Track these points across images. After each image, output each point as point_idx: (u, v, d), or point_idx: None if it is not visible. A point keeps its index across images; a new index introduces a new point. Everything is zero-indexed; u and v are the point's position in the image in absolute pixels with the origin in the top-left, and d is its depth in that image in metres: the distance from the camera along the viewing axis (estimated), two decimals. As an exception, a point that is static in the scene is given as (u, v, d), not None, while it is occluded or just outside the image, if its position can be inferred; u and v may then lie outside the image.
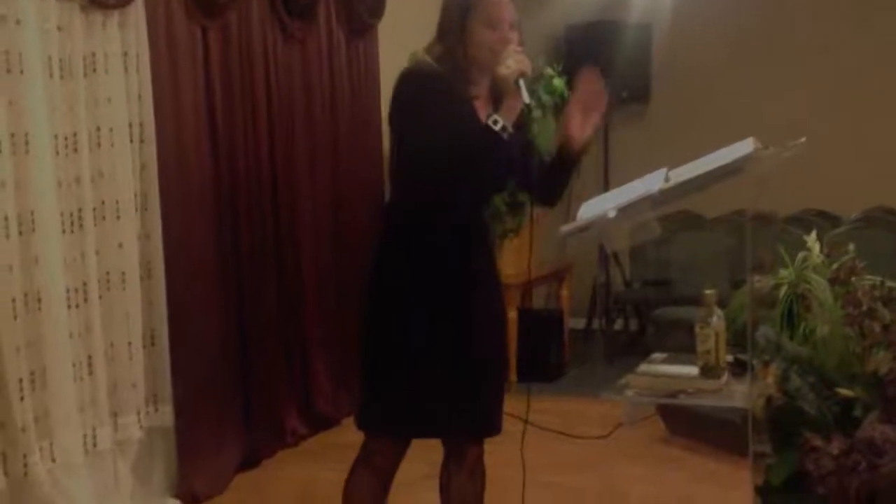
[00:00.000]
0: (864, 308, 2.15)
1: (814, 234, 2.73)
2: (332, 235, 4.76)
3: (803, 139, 2.40)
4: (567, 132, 2.58)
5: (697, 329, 2.54)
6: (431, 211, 2.51)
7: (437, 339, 2.54)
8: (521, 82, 2.37)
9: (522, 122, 2.55)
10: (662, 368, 2.53)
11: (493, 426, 2.70)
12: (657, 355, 2.70)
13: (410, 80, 2.51)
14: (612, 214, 2.38)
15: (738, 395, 2.39)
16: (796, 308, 2.68)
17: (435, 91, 2.44)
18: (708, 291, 2.59)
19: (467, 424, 2.64)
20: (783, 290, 2.74)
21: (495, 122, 2.35)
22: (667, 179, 2.32)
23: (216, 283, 4.03)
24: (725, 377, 2.49)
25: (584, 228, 2.38)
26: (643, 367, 2.54)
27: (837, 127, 5.99)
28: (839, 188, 5.82)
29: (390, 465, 2.67)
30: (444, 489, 2.73)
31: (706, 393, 2.42)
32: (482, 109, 2.48)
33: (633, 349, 6.14)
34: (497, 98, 2.46)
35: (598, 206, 2.45)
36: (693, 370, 2.50)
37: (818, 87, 6.18)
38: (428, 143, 2.39)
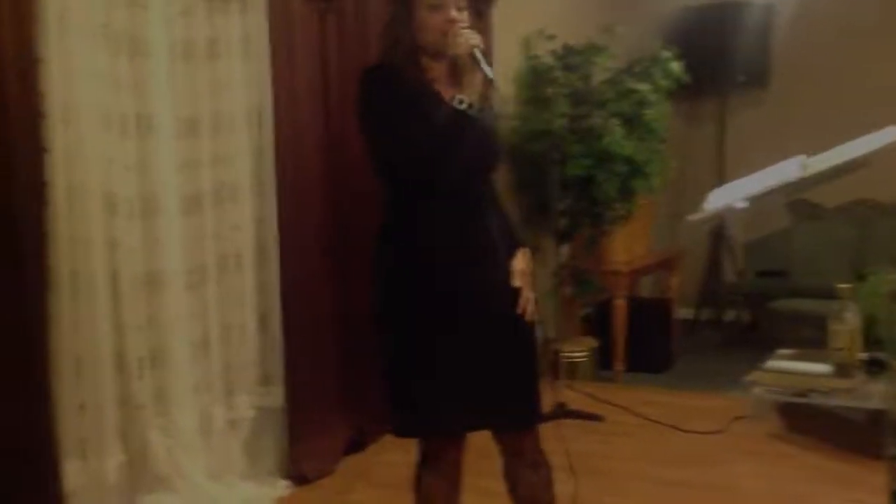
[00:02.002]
0: None
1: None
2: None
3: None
4: None
5: (830, 325, 2.42)
6: (421, 199, 2.47)
7: (450, 324, 2.45)
8: (478, 55, 2.37)
9: (489, 94, 2.52)
10: (792, 365, 2.43)
11: (535, 412, 2.59)
12: (784, 351, 2.59)
13: (369, 81, 2.51)
14: (741, 205, 2.29)
15: (875, 395, 2.27)
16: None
17: (393, 85, 2.44)
18: (842, 285, 2.46)
19: (506, 412, 2.53)
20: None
21: (460, 102, 2.37)
22: (804, 167, 2.21)
23: (328, 266, 4.05)
24: (860, 376, 2.37)
25: (711, 218, 2.29)
26: (771, 363, 2.44)
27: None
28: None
29: (450, 464, 2.60)
30: (513, 489, 2.65)
31: (839, 392, 2.30)
32: (444, 92, 2.47)
33: (746, 342, 5.98)
34: (458, 79, 2.45)
35: (727, 195, 2.36)
36: (824, 368, 2.39)
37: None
38: (400, 141, 2.39)
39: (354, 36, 4.13)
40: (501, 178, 4.95)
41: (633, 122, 5.09)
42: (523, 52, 5.29)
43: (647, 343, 5.56)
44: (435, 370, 2.46)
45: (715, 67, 6.07)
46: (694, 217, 2.37)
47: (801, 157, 2.32)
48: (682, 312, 6.28)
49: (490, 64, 2.37)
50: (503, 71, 4.56)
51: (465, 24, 2.44)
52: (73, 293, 3.04)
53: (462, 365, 2.45)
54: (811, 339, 4.42)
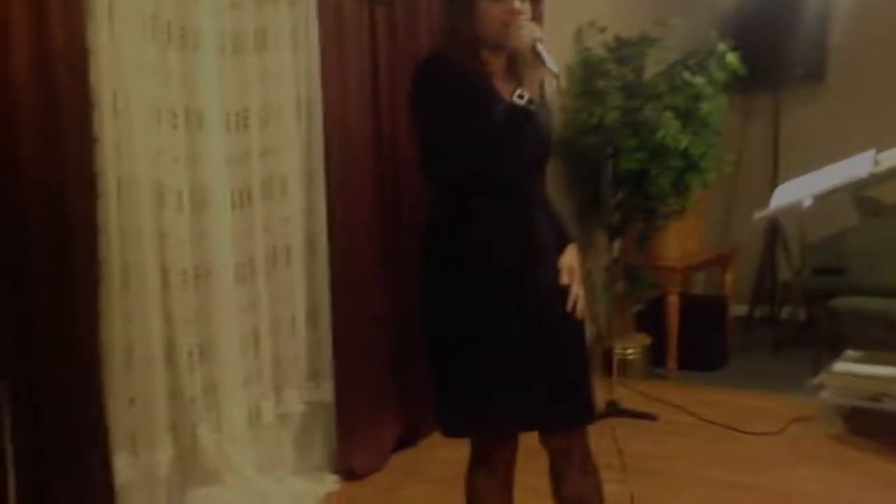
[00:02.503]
0: None
1: None
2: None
3: None
4: None
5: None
6: (474, 195, 2.39)
7: (499, 322, 2.38)
8: (541, 49, 2.29)
9: (543, 91, 2.46)
10: (861, 368, 2.33)
11: (586, 412, 2.50)
12: (851, 353, 2.49)
13: (425, 71, 2.43)
14: (807, 203, 2.20)
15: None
16: None
17: (450, 77, 2.36)
18: (913, 285, 2.34)
19: (557, 412, 2.45)
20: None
21: (521, 97, 2.30)
22: (875, 163, 2.11)
23: (377, 261, 4.01)
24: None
25: (778, 215, 2.21)
26: (839, 366, 2.35)
27: None
28: None
29: (502, 464, 2.54)
30: (557, 491, 2.55)
31: (914, 397, 2.20)
32: (502, 87, 2.40)
33: (802, 340, 5.84)
34: (517, 72, 2.38)
35: (793, 191, 2.27)
36: (893, 371, 2.28)
37: None
38: (456, 133, 2.31)
39: (404, 30, 4.08)
40: (554, 173, 4.88)
41: (687, 116, 4.99)
42: (575, 45, 5.21)
43: (701, 341, 5.46)
44: (484, 370, 2.39)
45: (770, 61, 5.94)
46: (760, 214, 2.28)
47: (872, 153, 2.23)
48: (736, 309, 6.16)
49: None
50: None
51: (528, 17, 2.37)
52: (124, 285, 3.03)
53: (511, 364, 2.39)
54: (874, 338, 4.31)
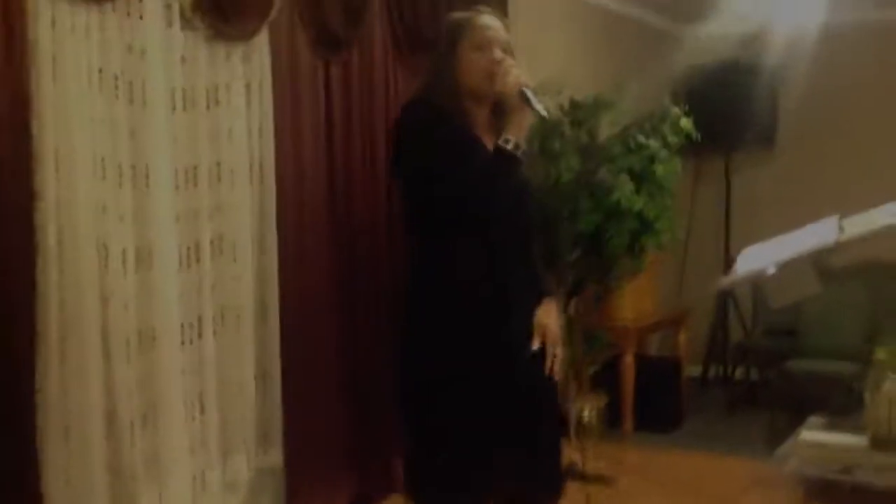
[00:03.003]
0: None
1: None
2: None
3: None
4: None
5: (867, 394, 2.27)
6: (457, 246, 2.37)
7: (480, 378, 2.34)
8: (528, 93, 2.31)
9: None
10: (829, 438, 2.27)
11: (560, 481, 2.48)
12: (815, 419, 2.44)
13: (410, 116, 2.43)
14: (770, 270, 2.16)
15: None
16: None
17: (436, 130, 2.36)
18: (881, 352, 2.31)
19: (534, 476, 2.41)
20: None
21: (506, 142, 2.30)
22: (840, 230, 2.08)
23: (330, 322, 3.90)
24: (900, 450, 2.22)
25: (742, 282, 2.16)
26: (806, 435, 2.29)
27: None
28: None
29: None
30: None
31: (886, 471, 2.14)
32: (485, 138, 2.40)
33: (755, 401, 5.83)
34: (499, 124, 2.39)
35: (758, 256, 2.23)
36: (861, 440, 2.24)
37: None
38: (443, 177, 2.30)
39: (360, 88, 4.03)
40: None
41: (642, 178, 4.99)
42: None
43: (656, 401, 5.43)
44: (462, 432, 2.34)
45: (722, 126, 6.00)
46: (727, 280, 2.24)
47: (835, 219, 2.20)
48: (691, 370, 6.15)
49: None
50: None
51: (513, 63, 2.36)
52: (62, 354, 2.87)
53: (488, 427, 2.34)
54: (828, 400, 4.28)
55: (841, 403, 2.68)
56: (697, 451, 4.95)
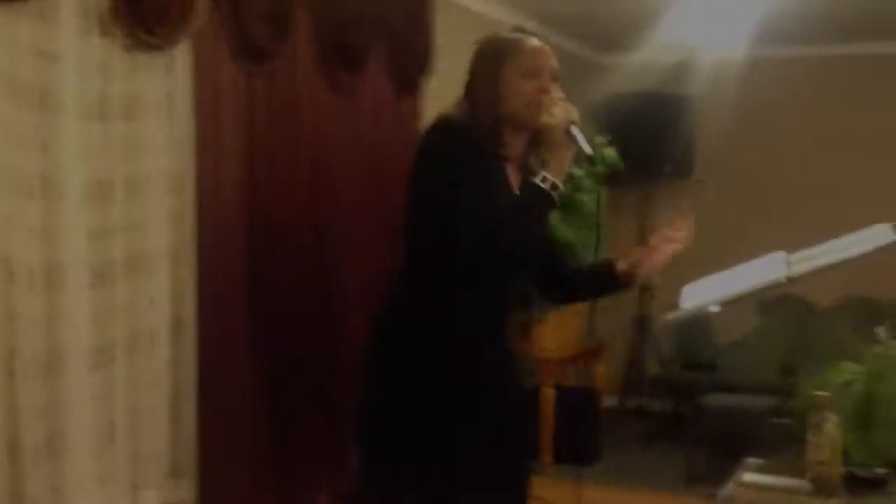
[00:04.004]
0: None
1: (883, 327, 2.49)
2: (376, 294, 4.45)
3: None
4: (635, 266, 2.35)
5: (809, 436, 2.23)
6: (464, 285, 2.20)
7: (471, 432, 2.24)
8: (575, 130, 2.12)
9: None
10: (769, 480, 2.22)
11: None
12: (752, 460, 2.40)
13: (437, 145, 2.21)
14: (714, 310, 2.12)
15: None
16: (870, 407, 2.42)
17: (468, 155, 2.16)
18: (820, 392, 2.27)
19: None
20: (853, 387, 2.48)
21: (544, 180, 2.09)
22: (788, 265, 2.04)
23: (250, 347, 3.73)
24: (841, 494, 2.18)
25: (688, 319, 2.11)
26: (747, 477, 2.24)
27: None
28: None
29: None
30: None
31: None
32: (513, 174, 2.24)
33: (672, 434, 5.83)
34: (533, 158, 2.23)
35: (702, 291, 2.18)
36: (802, 483, 2.20)
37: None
38: (472, 206, 2.10)
39: (284, 102, 3.90)
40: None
41: (566, 208, 4.96)
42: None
43: (575, 433, 5.37)
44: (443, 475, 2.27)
45: (640, 156, 6.03)
46: (672, 316, 2.18)
47: (782, 255, 2.17)
48: (608, 401, 6.13)
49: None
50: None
51: (562, 95, 2.19)
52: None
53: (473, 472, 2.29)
54: (742, 434, 4.28)
55: (765, 439, 2.65)
56: (617, 487, 4.91)
